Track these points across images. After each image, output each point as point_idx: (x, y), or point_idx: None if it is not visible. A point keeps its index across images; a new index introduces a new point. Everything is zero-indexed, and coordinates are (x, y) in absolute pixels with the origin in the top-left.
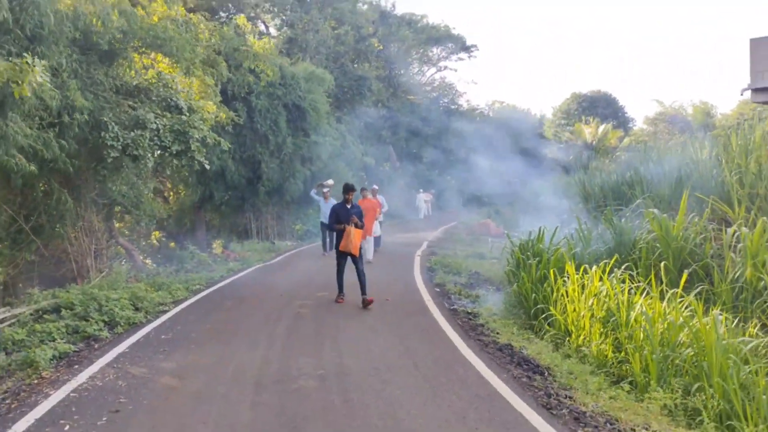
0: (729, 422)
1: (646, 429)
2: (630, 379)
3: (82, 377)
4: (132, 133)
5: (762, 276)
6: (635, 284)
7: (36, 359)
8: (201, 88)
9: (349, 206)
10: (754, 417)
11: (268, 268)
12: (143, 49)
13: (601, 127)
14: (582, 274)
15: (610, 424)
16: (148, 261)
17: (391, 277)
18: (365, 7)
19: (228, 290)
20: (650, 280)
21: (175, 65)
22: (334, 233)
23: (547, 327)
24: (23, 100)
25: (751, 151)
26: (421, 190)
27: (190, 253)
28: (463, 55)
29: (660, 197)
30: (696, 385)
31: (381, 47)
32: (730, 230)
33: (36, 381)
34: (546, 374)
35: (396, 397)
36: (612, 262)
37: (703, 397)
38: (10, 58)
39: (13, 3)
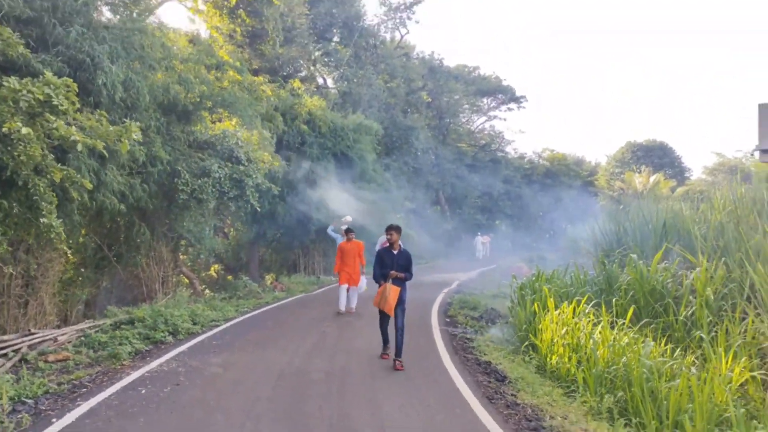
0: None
1: (563, 418)
2: (574, 387)
3: (153, 365)
4: (199, 180)
5: (707, 313)
6: (608, 318)
7: (119, 353)
8: (259, 140)
9: (395, 252)
10: (652, 412)
11: (309, 298)
12: (214, 109)
13: (653, 177)
14: (562, 310)
15: (532, 410)
16: (206, 291)
17: (408, 307)
18: (416, 62)
19: (270, 313)
20: (612, 314)
21: (238, 122)
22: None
23: (531, 352)
24: (119, 154)
25: (720, 209)
26: (480, 234)
27: (243, 283)
28: (512, 105)
29: (646, 246)
30: (620, 393)
31: (430, 99)
32: (691, 274)
33: (119, 367)
34: (506, 381)
35: (379, 387)
36: (584, 300)
37: (617, 399)
38: (116, 123)
39: (121, 83)
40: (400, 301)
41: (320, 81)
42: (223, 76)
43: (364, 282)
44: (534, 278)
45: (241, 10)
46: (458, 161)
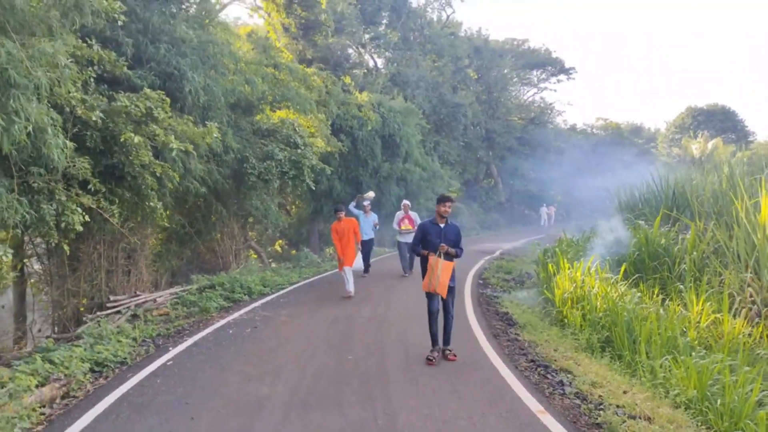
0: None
1: (554, 350)
2: (575, 332)
3: (235, 315)
4: (264, 163)
5: (693, 269)
6: (608, 275)
7: (208, 308)
8: (315, 123)
9: (442, 226)
10: (628, 345)
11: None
12: (274, 102)
13: (711, 142)
14: (573, 269)
15: (528, 344)
16: (272, 263)
17: None
18: (464, 38)
19: (327, 278)
20: (622, 272)
21: (296, 110)
22: (412, 258)
23: (549, 307)
24: (201, 147)
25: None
26: (545, 204)
27: (304, 254)
28: (562, 77)
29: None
30: (606, 333)
31: (477, 76)
32: (686, 236)
33: (209, 318)
34: (515, 325)
35: (409, 326)
36: (590, 259)
37: (604, 337)
38: (198, 123)
39: (202, 89)
40: (454, 287)
41: (371, 64)
42: (281, 73)
43: (359, 259)
44: (557, 243)
45: (296, 4)
46: (508, 134)
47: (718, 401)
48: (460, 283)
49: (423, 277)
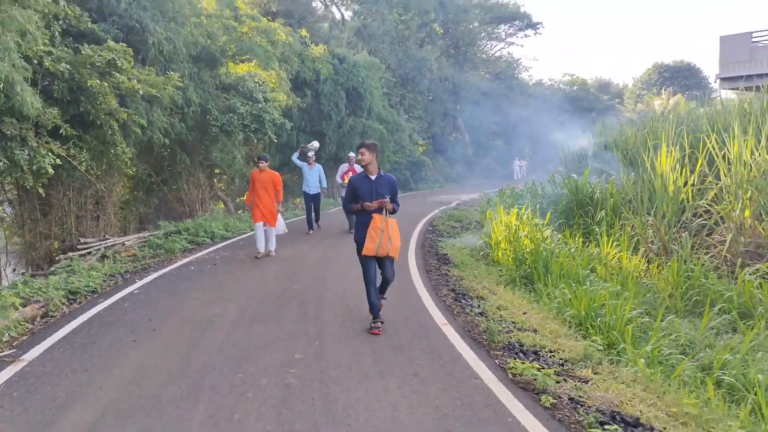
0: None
1: (478, 283)
2: (501, 268)
3: (197, 255)
4: (226, 116)
5: (611, 216)
6: (537, 220)
7: (173, 249)
8: (276, 80)
9: (372, 177)
10: (544, 280)
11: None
12: (236, 55)
13: (673, 98)
14: (509, 216)
15: (456, 278)
16: (239, 212)
17: (400, 219)
18: None
19: (290, 224)
20: (547, 218)
21: (257, 63)
22: (354, 217)
23: (487, 249)
24: (163, 98)
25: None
26: (517, 158)
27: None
28: (529, 32)
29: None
30: (528, 270)
31: (442, 31)
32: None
33: (173, 258)
34: (449, 264)
35: (350, 265)
36: (525, 206)
37: (526, 273)
38: (160, 75)
39: (160, 40)
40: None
41: (338, 17)
42: (242, 25)
43: (282, 224)
44: (499, 194)
45: None
46: (475, 89)
47: (599, 319)
48: (410, 228)
49: (357, 237)
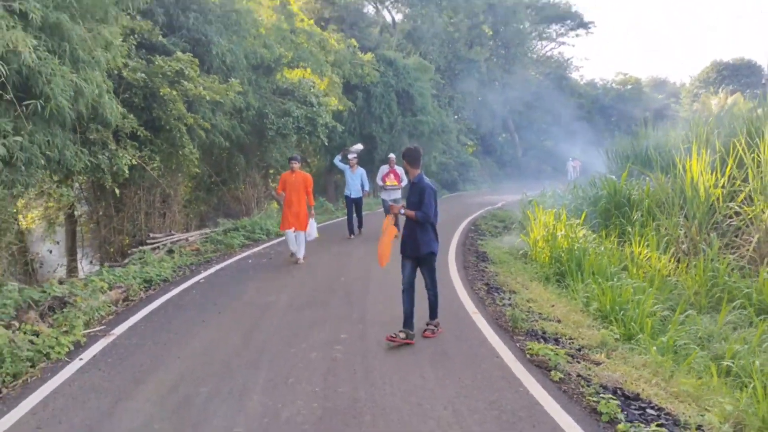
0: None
1: (513, 279)
2: (537, 265)
3: (254, 250)
4: (282, 120)
5: (646, 217)
6: (574, 221)
7: (232, 244)
8: (329, 84)
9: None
10: (576, 277)
11: (371, 213)
12: (291, 63)
13: (731, 98)
14: (547, 216)
15: (492, 273)
16: None
17: (443, 218)
18: None
19: (338, 223)
20: (582, 218)
21: (311, 70)
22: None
23: (525, 247)
24: (225, 103)
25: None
26: (571, 158)
27: (320, 203)
28: (580, 31)
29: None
30: (562, 268)
31: (491, 33)
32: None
33: (232, 252)
34: (487, 261)
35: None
36: (562, 208)
37: (560, 270)
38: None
39: (224, 51)
40: (429, 255)
41: (388, 20)
42: (298, 37)
43: (314, 227)
44: (540, 194)
45: None
46: (524, 89)
47: (622, 313)
48: (453, 228)
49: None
